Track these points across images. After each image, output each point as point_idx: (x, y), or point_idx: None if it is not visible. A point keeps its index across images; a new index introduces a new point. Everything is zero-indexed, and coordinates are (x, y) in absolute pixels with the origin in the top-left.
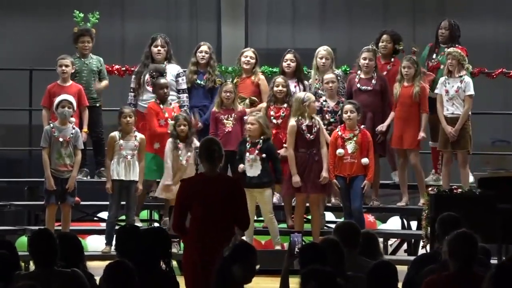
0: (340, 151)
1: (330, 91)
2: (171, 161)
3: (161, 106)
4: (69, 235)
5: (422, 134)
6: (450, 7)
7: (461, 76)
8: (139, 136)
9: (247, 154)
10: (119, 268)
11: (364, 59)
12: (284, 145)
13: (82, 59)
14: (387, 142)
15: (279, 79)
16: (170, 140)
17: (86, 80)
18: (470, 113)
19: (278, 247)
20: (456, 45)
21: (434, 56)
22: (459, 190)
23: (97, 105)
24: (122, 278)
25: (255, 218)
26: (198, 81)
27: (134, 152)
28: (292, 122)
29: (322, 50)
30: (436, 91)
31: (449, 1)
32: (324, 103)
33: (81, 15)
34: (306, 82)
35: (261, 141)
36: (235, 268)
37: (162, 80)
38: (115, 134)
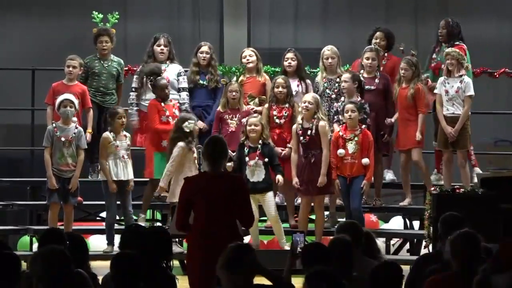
0: (340, 151)
1: (344, 90)
2: (176, 164)
3: (162, 104)
4: (75, 235)
5: (418, 135)
6: (452, 6)
7: (460, 76)
8: (128, 134)
9: (247, 159)
10: (126, 258)
11: (367, 58)
12: (288, 145)
13: (102, 62)
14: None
15: (279, 80)
16: (182, 145)
17: (105, 84)
18: (469, 113)
19: (286, 247)
20: (457, 43)
21: (434, 55)
22: (461, 190)
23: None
24: (129, 267)
25: (258, 218)
26: (201, 81)
27: (128, 152)
28: (295, 124)
29: (327, 50)
30: (435, 91)
31: (451, 1)
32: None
33: (100, 16)
34: (308, 81)
35: (259, 145)
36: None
37: (162, 81)
38: (108, 135)
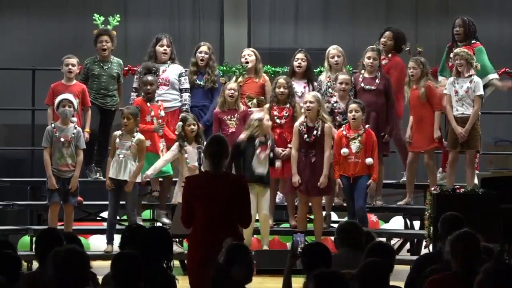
0: (344, 150)
1: (343, 92)
2: (166, 161)
3: (148, 104)
4: (71, 234)
5: (436, 132)
6: (452, 6)
7: (470, 76)
8: (138, 137)
9: (259, 151)
10: (126, 258)
11: (369, 58)
12: (289, 145)
13: (102, 64)
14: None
15: (281, 80)
16: (177, 143)
17: (105, 85)
18: (479, 113)
19: (265, 247)
20: (474, 41)
21: (451, 55)
22: (461, 190)
23: (113, 109)
24: (129, 267)
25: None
26: (198, 81)
27: (127, 152)
28: (297, 122)
29: (332, 49)
30: (445, 91)
31: (452, 1)
32: (335, 104)
33: (102, 18)
34: (315, 83)
35: (270, 139)
36: (234, 270)
37: (149, 77)
38: (117, 133)
